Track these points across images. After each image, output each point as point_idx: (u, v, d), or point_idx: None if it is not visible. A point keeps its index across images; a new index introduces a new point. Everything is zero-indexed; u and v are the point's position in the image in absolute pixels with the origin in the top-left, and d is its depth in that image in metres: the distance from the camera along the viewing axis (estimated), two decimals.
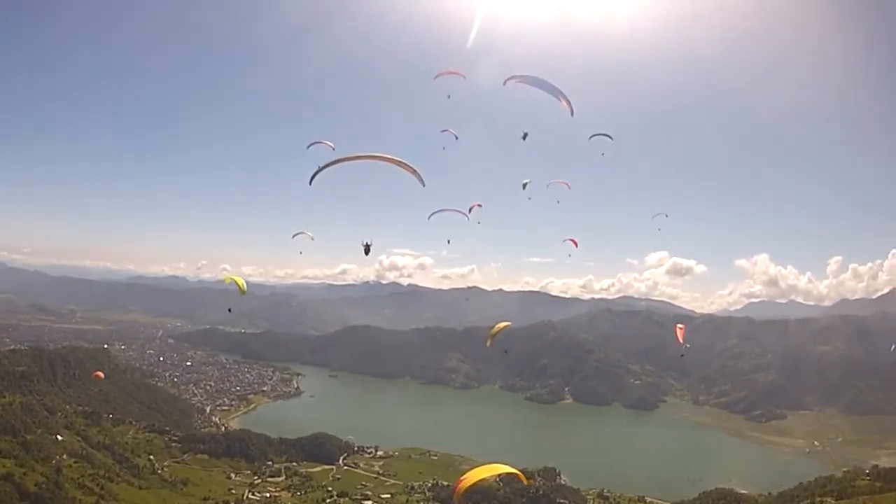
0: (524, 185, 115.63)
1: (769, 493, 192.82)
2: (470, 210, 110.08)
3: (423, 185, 66.05)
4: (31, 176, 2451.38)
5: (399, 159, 62.02)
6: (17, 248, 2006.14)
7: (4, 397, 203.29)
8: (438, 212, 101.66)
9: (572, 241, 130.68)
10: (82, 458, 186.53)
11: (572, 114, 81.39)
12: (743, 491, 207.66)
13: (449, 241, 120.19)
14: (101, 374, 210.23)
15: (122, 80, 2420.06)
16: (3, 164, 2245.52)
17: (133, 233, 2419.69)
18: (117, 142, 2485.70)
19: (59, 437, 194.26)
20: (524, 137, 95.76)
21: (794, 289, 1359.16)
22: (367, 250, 73.62)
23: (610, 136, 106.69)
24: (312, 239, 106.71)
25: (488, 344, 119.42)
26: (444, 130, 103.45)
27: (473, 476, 55.35)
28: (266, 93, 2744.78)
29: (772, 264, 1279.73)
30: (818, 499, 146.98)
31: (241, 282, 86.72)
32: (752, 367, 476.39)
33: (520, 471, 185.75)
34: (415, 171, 63.65)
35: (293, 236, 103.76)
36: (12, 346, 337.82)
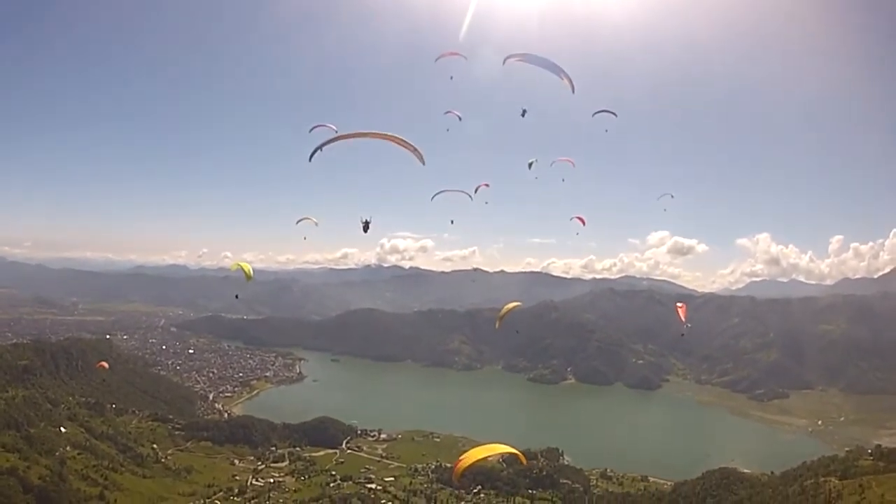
0: (530, 165, 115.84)
1: (772, 473, 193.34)
2: (476, 190, 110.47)
3: (423, 164, 66.34)
4: (31, 170, 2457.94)
5: (399, 137, 62.53)
6: (18, 243, 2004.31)
7: (7, 391, 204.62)
8: (442, 192, 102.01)
9: (579, 218, 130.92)
10: (86, 450, 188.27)
11: (573, 90, 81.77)
12: (746, 470, 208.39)
13: (452, 222, 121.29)
14: (106, 364, 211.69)
15: (119, 70, 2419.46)
16: (3, 159, 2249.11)
17: (134, 223, 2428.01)
18: (116, 133, 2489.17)
19: (63, 430, 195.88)
20: (523, 114, 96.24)
21: (795, 268, 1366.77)
22: (365, 227, 73.84)
23: (614, 113, 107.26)
24: (317, 224, 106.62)
25: (497, 325, 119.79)
26: (448, 112, 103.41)
27: (472, 456, 56.10)
28: (265, 80, 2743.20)
29: (773, 243, 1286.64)
30: (822, 478, 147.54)
31: (248, 267, 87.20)
32: (754, 346, 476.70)
33: (522, 451, 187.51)
34: (415, 149, 64.02)
35: (297, 222, 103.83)
36: (14, 340, 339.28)
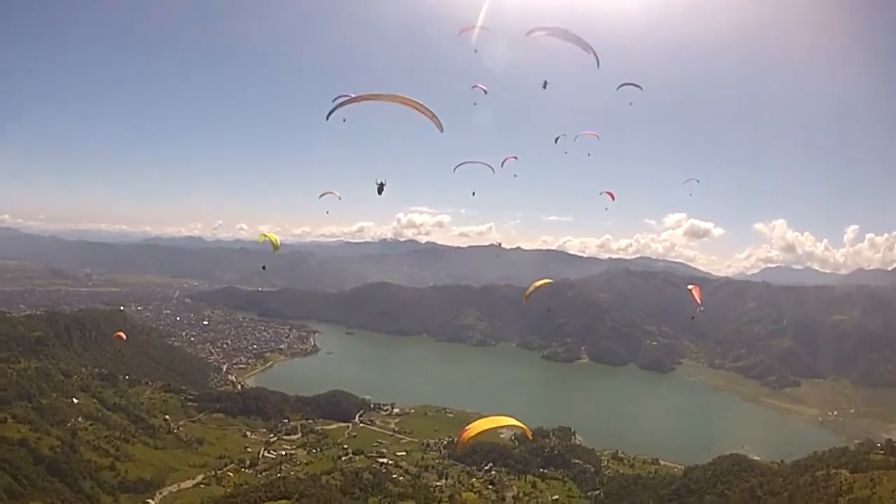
0: (556, 140, 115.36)
1: (781, 461, 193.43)
2: (503, 163, 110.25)
3: (441, 130, 66.47)
4: (45, 142, 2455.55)
5: (417, 101, 62.38)
6: (32, 215, 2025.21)
7: (20, 363, 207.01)
8: (465, 163, 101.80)
9: (609, 193, 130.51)
10: (98, 420, 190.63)
11: (598, 64, 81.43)
12: (756, 457, 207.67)
13: (474, 194, 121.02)
14: (123, 335, 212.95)
15: (136, 41, 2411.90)
16: (18, 131, 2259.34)
17: (149, 195, 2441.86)
18: (131, 105, 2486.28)
19: (75, 400, 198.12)
20: (544, 86, 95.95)
21: (810, 255, 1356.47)
22: (380, 189, 73.61)
23: (639, 86, 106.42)
24: (340, 198, 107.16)
25: (525, 301, 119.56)
26: (475, 86, 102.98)
27: (478, 427, 56.19)
28: (282, 52, 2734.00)
29: (789, 230, 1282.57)
30: (833, 470, 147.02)
31: (275, 238, 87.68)
32: (767, 332, 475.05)
33: (534, 429, 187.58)
34: (433, 115, 63.80)
35: (320, 196, 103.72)
36: (28, 312, 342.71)
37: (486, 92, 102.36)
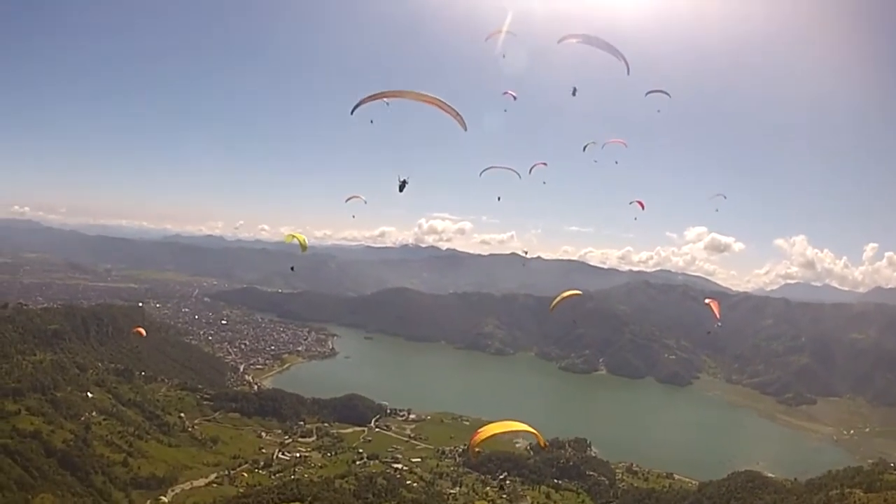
0: (585, 147, 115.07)
1: (795, 479, 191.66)
2: (531, 170, 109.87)
3: (465, 129, 66.21)
4: (68, 136, 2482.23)
5: (441, 100, 62.10)
6: (53, 208, 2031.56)
7: (35, 355, 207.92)
8: (491, 168, 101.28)
9: (639, 202, 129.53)
10: (112, 416, 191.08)
11: (628, 72, 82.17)
12: (770, 475, 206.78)
13: (499, 199, 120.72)
14: (143, 331, 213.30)
15: (160, 37, 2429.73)
16: (40, 124, 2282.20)
17: (171, 193, 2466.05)
18: (156, 101, 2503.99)
19: (90, 395, 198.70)
20: (574, 93, 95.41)
21: (829, 273, 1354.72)
22: (401, 187, 73.08)
23: (667, 93, 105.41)
24: (365, 202, 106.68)
25: (551, 310, 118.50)
26: (505, 93, 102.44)
27: (490, 430, 56.31)
28: (307, 54, 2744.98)
29: (809, 246, 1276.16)
30: (847, 490, 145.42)
31: (303, 238, 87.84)
32: (785, 349, 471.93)
33: (550, 440, 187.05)
34: (456, 113, 63.40)
35: (346, 200, 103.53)
36: (45, 305, 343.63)
37: (515, 98, 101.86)
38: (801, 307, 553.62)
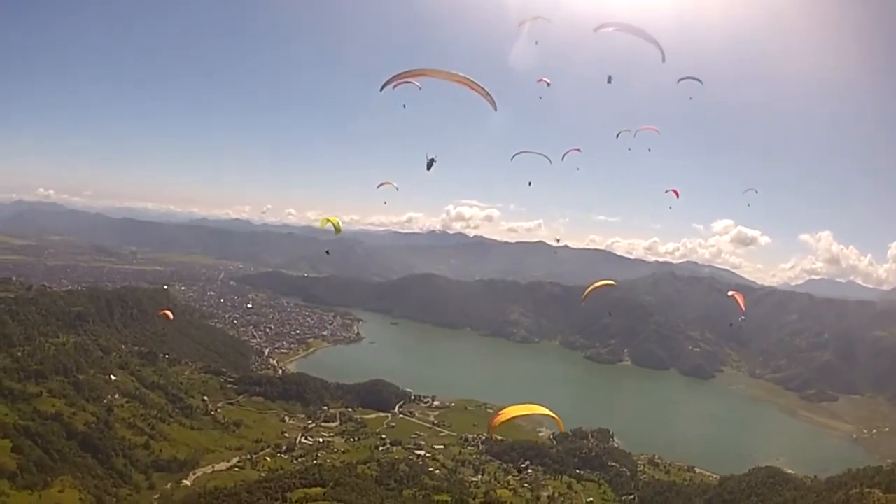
0: (618, 135, 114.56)
1: (815, 477, 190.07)
2: (564, 156, 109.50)
3: (496, 109, 65.88)
4: (94, 119, 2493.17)
5: (471, 79, 61.87)
6: (77, 191, 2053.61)
7: (58, 337, 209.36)
8: (523, 153, 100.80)
9: (674, 191, 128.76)
10: (135, 398, 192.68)
11: (664, 59, 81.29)
12: (790, 471, 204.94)
13: (530, 184, 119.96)
14: (170, 314, 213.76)
15: (190, 22, 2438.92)
16: (64, 107, 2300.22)
17: (198, 176, 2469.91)
18: (184, 88, 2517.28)
19: (113, 377, 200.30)
20: (609, 81, 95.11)
21: (854, 269, 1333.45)
22: (429, 165, 74.07)
23: (699, 80, 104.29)
24: (397, 189, 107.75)
25: (583, 299, 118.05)
26: (540, 80, 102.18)
27: (511, 412, 56.34)
28: (338, 39, 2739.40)
29: (834, 242, 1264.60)
30: (866, 489, 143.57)
31: (337, 221, 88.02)
32: (809, 345, 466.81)
33: (573, 429, 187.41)
34: (486, 93, 63.18)
35: (378, 186, 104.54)
36: (69, 287, 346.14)
37: (549, 85, 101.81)
38: (825, 303, 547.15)
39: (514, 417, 56.40)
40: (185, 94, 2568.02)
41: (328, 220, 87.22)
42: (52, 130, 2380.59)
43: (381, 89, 65.63)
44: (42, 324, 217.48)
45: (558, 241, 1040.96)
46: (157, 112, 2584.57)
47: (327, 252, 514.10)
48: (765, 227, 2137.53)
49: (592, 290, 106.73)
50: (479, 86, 62.29)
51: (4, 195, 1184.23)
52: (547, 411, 57.82)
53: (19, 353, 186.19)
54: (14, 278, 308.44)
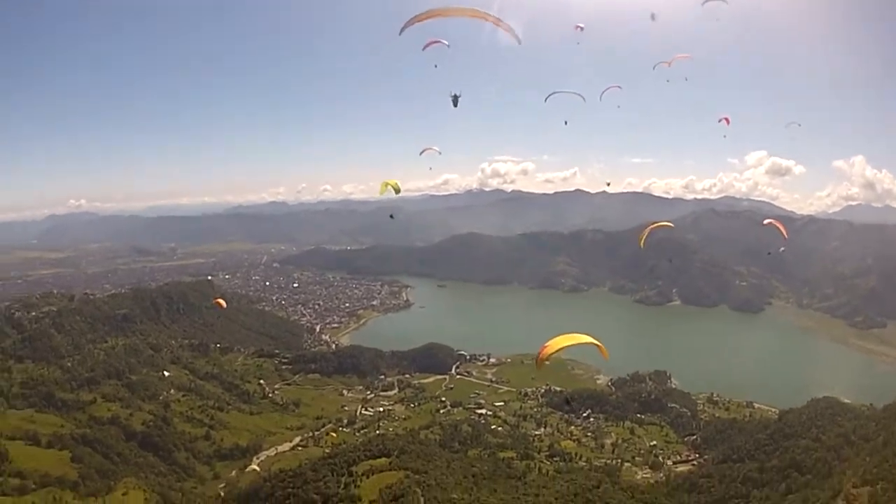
0: (655, 67, 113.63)
1: (871, 405, 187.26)
2: (602, 95, 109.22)
3: (520, 43, 66.05)
4: (117, 123, 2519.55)
5: (493, 15, 61.37)
6: (109, 197, 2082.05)
7: (106, 342, 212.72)
8: (556, 93, 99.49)
9: (725, 119, 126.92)
10: (190, 391, 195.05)
11: None
12: (846, 400, 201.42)
13: (566, 123, 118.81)
14: (223, 302, 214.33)
15: (214, 12, 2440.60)
16: (84, 112, 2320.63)
17: (229, 164, 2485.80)
18: (208, 76, 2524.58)
19: (166, 374, 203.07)
20: (653, 18, 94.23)
21: (889, 193, 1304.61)
22: (455, 101, 74.50)
23: (725, 0, 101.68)
24: (440, 153, 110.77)
25: (641, 244, 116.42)
26: (576, 26, 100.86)
27: (557, 343, 56.63)
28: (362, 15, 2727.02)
29: (868, 167, 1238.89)
30: None
31: (395, 182, 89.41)
32: (852, 271, 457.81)
33: (629, 373, 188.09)
34: (509, 27, 63.03)
35: (420, 153, 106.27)
36: (112, 291, 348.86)
37: (582, 29, 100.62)
38: (864, 229, 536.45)
39: (561, 349, 56.70)
40: (204, 80, 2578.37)
41: (387, 184, 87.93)
42: (75, 141, 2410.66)
43: (401, 33, 65.26)
44: (89, 331, 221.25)
45: (609, 184, 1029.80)
46: (178, 106, 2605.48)
47: (391, 216, 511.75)
48: (798, 156, 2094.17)
49: (649, 231, 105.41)
50: (501, 21, 61.94)
51: (37, 211, 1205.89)
52: (591, 339, 57.73)
53: (69, 364, 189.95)
54: (55, 291, 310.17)
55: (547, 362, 61.50)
